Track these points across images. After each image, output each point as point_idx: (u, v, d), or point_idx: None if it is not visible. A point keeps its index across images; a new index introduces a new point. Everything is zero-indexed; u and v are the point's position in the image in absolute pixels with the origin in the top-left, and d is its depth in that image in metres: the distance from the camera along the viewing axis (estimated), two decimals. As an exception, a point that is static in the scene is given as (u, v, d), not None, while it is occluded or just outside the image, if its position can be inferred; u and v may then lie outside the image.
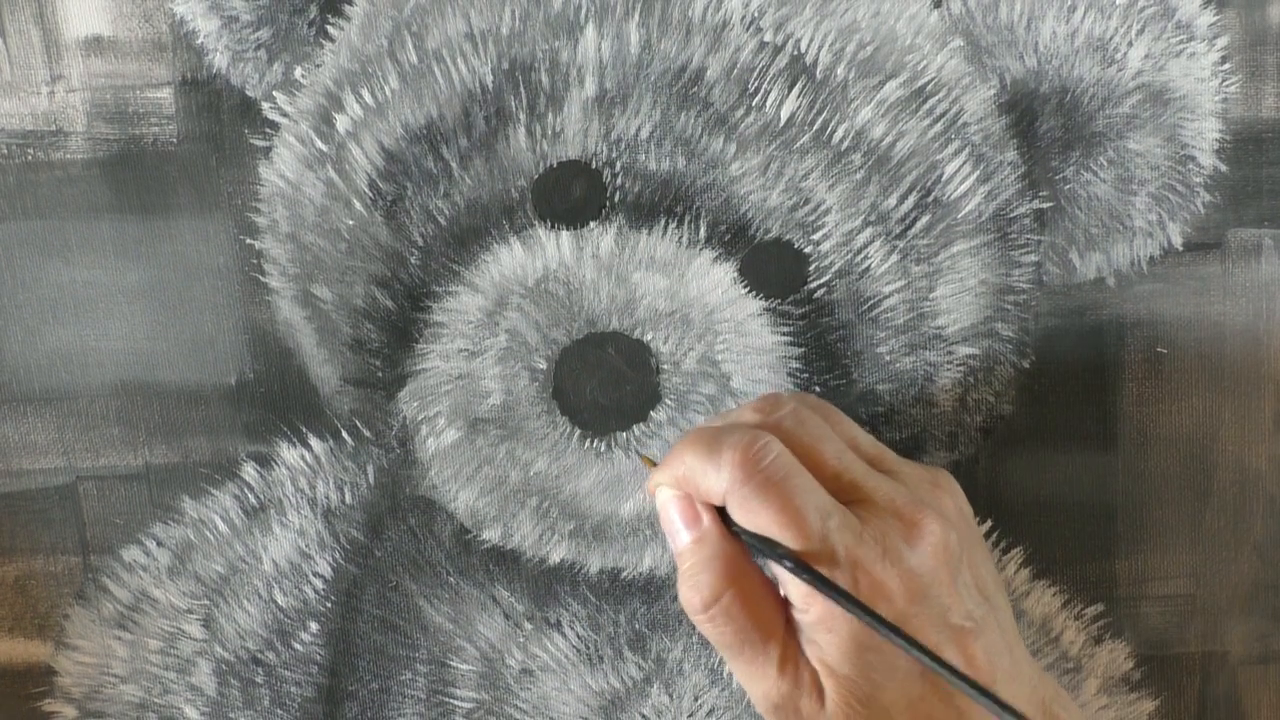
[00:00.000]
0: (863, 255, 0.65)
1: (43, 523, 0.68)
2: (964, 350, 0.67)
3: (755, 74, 0.64)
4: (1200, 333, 0.67)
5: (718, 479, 0.56)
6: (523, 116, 0.64)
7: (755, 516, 0.55)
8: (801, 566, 0.54)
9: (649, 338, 0.65)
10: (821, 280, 0.65)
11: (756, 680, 0.57)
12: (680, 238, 0.64)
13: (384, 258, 0.66)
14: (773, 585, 0.57)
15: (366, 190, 0.65)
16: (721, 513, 0.58)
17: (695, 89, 0.64)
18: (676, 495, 0.58)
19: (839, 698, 0.55)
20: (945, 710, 0.56)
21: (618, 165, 0.64)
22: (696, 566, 0.57)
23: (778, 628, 0.56)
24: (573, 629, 0.69)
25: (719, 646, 0.57)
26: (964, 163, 0.65)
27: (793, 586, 0.55)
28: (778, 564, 0.55)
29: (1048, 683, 0.59)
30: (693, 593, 0.57)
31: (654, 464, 0.61)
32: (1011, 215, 0.66)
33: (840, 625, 0.55)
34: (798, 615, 0.56)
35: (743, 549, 0.57)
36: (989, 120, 0.65)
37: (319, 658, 0.69)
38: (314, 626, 0.69)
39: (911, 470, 0.60)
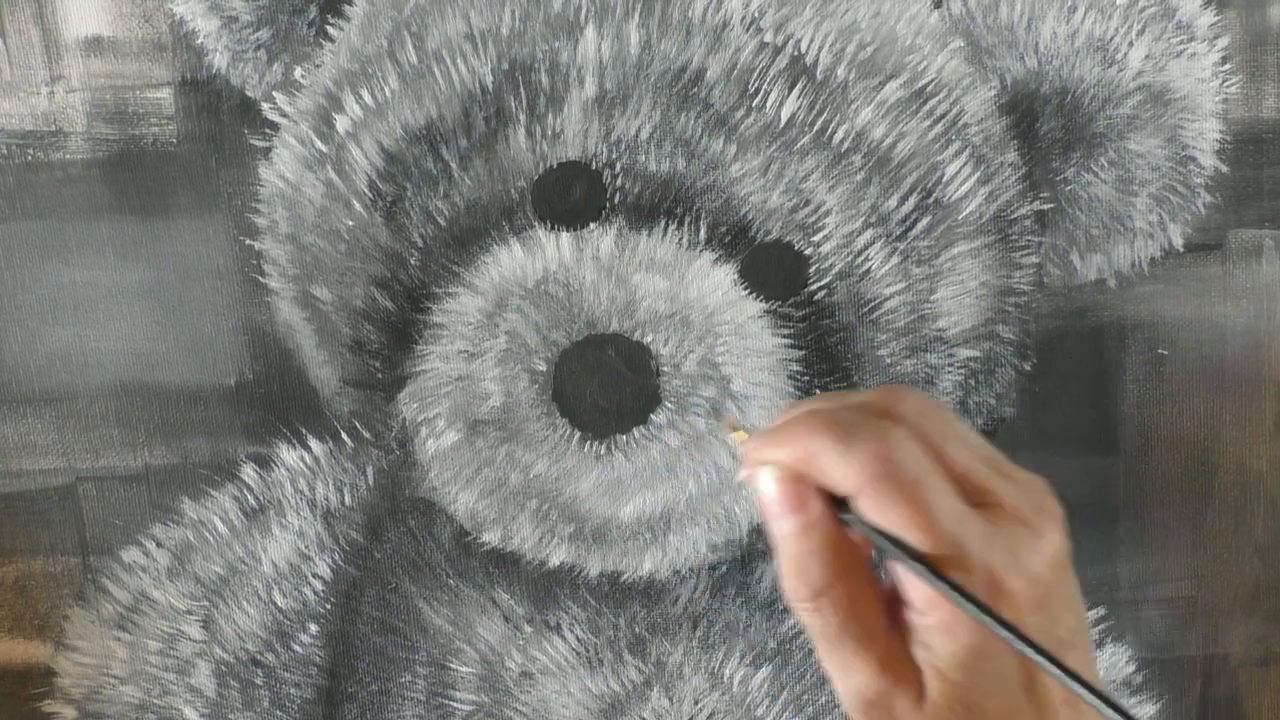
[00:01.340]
0: (863, 257, 0.65)
1: (42, 524, 0.69)
2: (965, 352, 0.67)
3: (755, 75, 0.64)
4: (1201, 334, 0.67)
5: (846, 470, 0.54)
6: (522, 117, 0.64)
7: (887, 514, 0.53)
8: (932, 570, 0.53)
9: (649, 340, 0.64)
10: (822, 282, 0.65)
11: (852, 674, 0.56)
12: (680, 239, 0.64)
13: (384, 259, 0.66)
14: (877, 581, 0.57)
15: (366, 191, 0.65)
16: (837, 504, 0.57)
17: (695, 90, 0.64)
18: (787, 478, 0.57)
19: (944, 701, 0.54)
20: None
21: (618, 166, 0.64)
22: (805, 555, 0.56)
23: (882, 626, 0.56)
24: (572, 632, 0.69)
25: (816, 637, 0.56)
26: (965, 164, 0.65)
27: (913, 588, 0.54)
28: (904, 565, 0.54)
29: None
30: (800, 582, 0.55)
31: (744, 433, 0.60)
32: (1012, 217, 0.66)
33: (962, 633, 0.54)
34: (914, 617, 0.55)
35: (850, 541, 0.57)
36: (989, 121, 0.65)
37: (318, 659, 0.69)
38: (313, 628, 0.69)
39: (1025, 476, 0.59)
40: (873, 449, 0.54)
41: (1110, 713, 0.52)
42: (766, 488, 0.57)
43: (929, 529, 0.53)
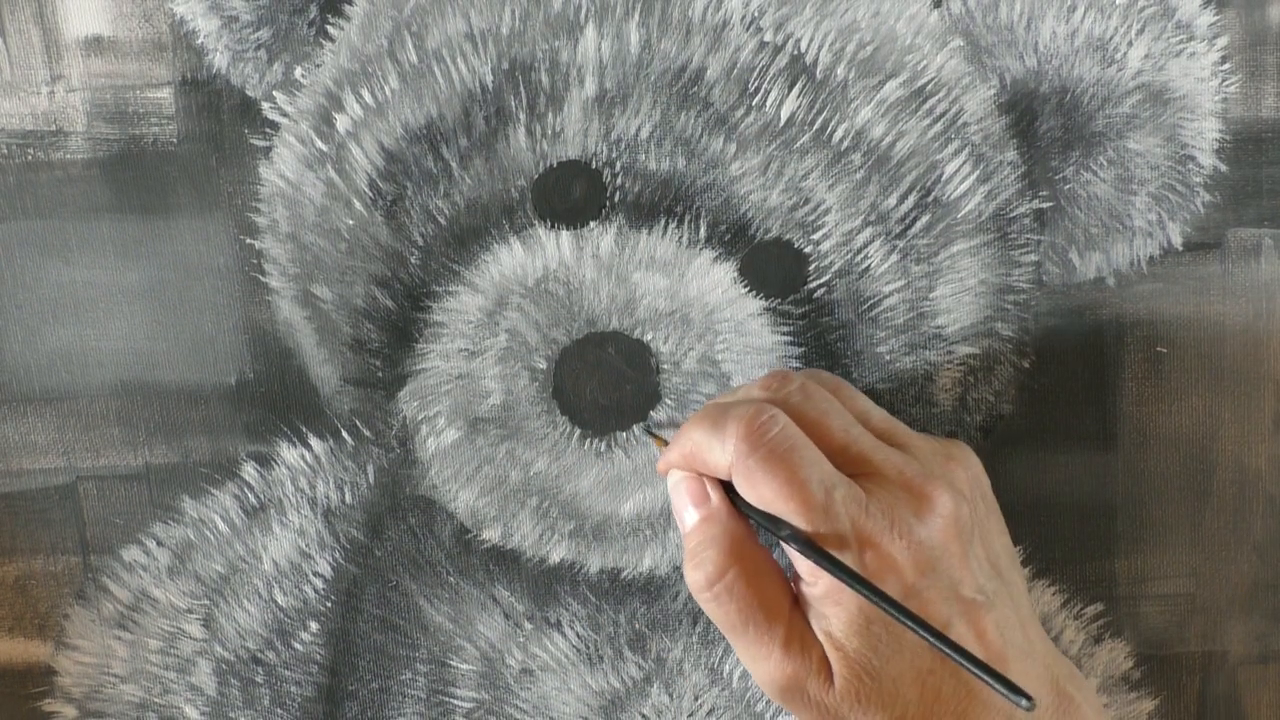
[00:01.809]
0: (863, 255, 0.65)
1: (43, 523, 0.68)
2: (964, 350, 0.67)
3: (755, 74, 0.64)
4: (1200, 332, 0.67)
5: (723, 453, 0.55)
6: (523, 116, 0.64)
7: (760, 489, 0.55)
8: (804, 542, 0.54)
9: (649, 337, 0.65)
10: (821, 280, 0.65)
11: (761, 660, 0.56)
12: (680, 237, 0.64)
13: (384, 257, 0.66)
14: (779, 566, 0.57)
15: (366, 190, 0.65)
16: (731, 492, 0.57)
17: (695, 89, 0.64)
18: (687, 476, 0.58)
19: (847, 672, 0.55)
20: (954, 684, 0.56)
21: (618, 165, 0.64)
22: (702, 544, 0.57)
23: (783, 607, 0.56)
24: (573, 629, 0.69)
25: (723, 627, 0.57)
26: (964, 162, 0.65)
27: (799, 561, 0.55)
28: (782, 539, 0.55)
29: (1061, 661, 0.59)
30: (697, 571, 0.57)
31: (665, 443, 0.61)
32: (1011, 215, 0.66)
33: (847, 599, 0.54)
34: (806, 589, 0.56)
35: (750, 529, 0.57)
36: (989, 120, 0.65)
37: (319, 657, 0.69)
38: (314, 626, 0.69)
39: (925, 443, 0.59)
40: (743, 429, 0.55)
41: (984, 674, 0.52)
42: (672, 489, 0.59)
43: (800, 499, 0.54)
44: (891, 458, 0.57)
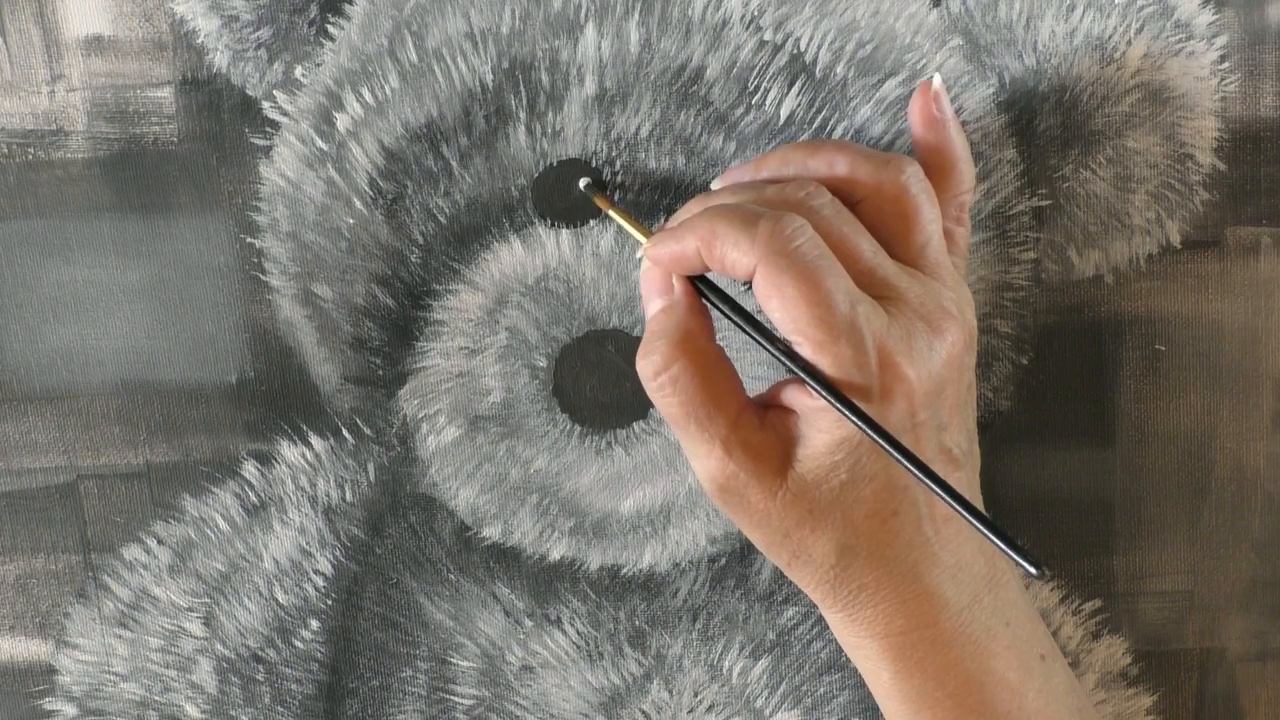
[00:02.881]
0: (862, 253, 0.65)
1: (43, 521, 0.69)
2: (962, 347, 0.67)
3: (755, 72, 0.64)
4: (1198, 330, 0.67)
5: (747, 251, 0.54)
6: (523, 115, 0.64)
7: (783, 290, 0.53)
8: (803, 365, 0.53)
9: (649, 336, 0.65)
10: (821, 278, 0.65)
11: (701, 457, 0.56)
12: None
13: (384, 256, 0.66)
14: (731, 366, 0.57)
15: (367, 189, 0.65)
16: (703, 289, 0.57)
17: (695, 87, 0.64)
18: (652, 265, 0.57)
19: (811, 488, 0.55)
20: (912, 532, 0.56)
21: (618, 164, 0.64)
22: (655, 334, 0.56)
23: (730, 407, 0.55)
24: (573, 626, 0.69)
25: (668, 419, 0.56)
26: (963, 161, 0.65)
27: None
28: (779, 354, 0.54)
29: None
30: (644, 359, 0.56)
31: (611, 205, 0.62)
32: (1010, 213, 0.66)
33: (848, 423, 0.54)
34: (805, 399, 0.55)
35: (706, 326, 0.57)
36: (988, 118, 0.65)
37: (320, 655, 0.70)
38: (315, 624, 0.69)
39: (935, 283, 0.58)
40: (774, 228, 0.54)
41: (988, 533, 0.52)
42: (642, 275, 0.58)
43: (824, 307, 0.53)
44: (914, 286, 0.56)
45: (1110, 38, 0.64)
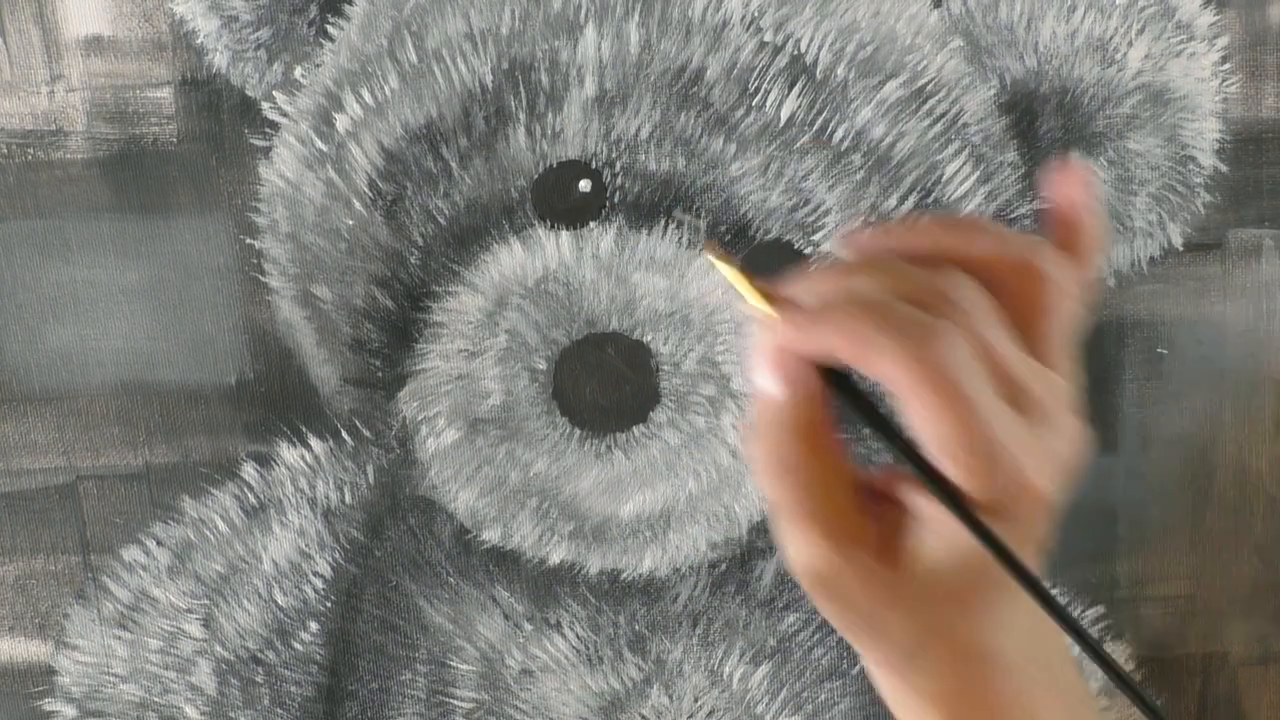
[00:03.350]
0: (863, 256, 0.65)
1: (43, 522, 0.69)
2: (964, 351, 0.67)
3: (755, 74, 0.64)
4: (1200, 333, 0.67)
5: (893, 363, 0.48)
6: (522, 116, 0.64)
7: (937, 414, 0.50)
8: (940, 486, 0.51)
9: (649, 338, 0.65)
10: (822, 281, 0.65)
11: (803, 547, 0.52)
12: (680, 238, 0.64)
13: (384, 257, 0.66)
14: (848, 463, 0.54)
15: (366, 190, 0.65)
16: (838, 384, 0.53)
17: (695, 89, 0.64)
18: (784, 351, 0.53)
19: (909, 573, 0.53)
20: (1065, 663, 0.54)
21: (618, 165, 0.64)
22: (783, 429, 0.52)
23: (844, 506, 0.53)
24: (572, 630, 0.69)
25: (776, 509, 0.54)
26: (964, 163, 0.65)
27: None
28: (916, 472, 0.51)
29: None
30: (771, 457, 0.51)
31: (738, 276, 0.55)
32: (1012, 216, 0.66)
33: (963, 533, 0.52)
34: (919, 500, 0.52)
35: (829, 421, 0.53)
36: (989, 121, 0.65)
37: (319, 657, 0.69)
38: (314, 626, 0.69)
39: (1049, 371, 0.55)
40: (928, 341, 0.49)
41: (1118, 683, 0.51)
42: (762, 343, 0.52)
43: (975, 428, 0.50)
44: (1046, 387, 0.53)
45: (1111, 39, 0.64)
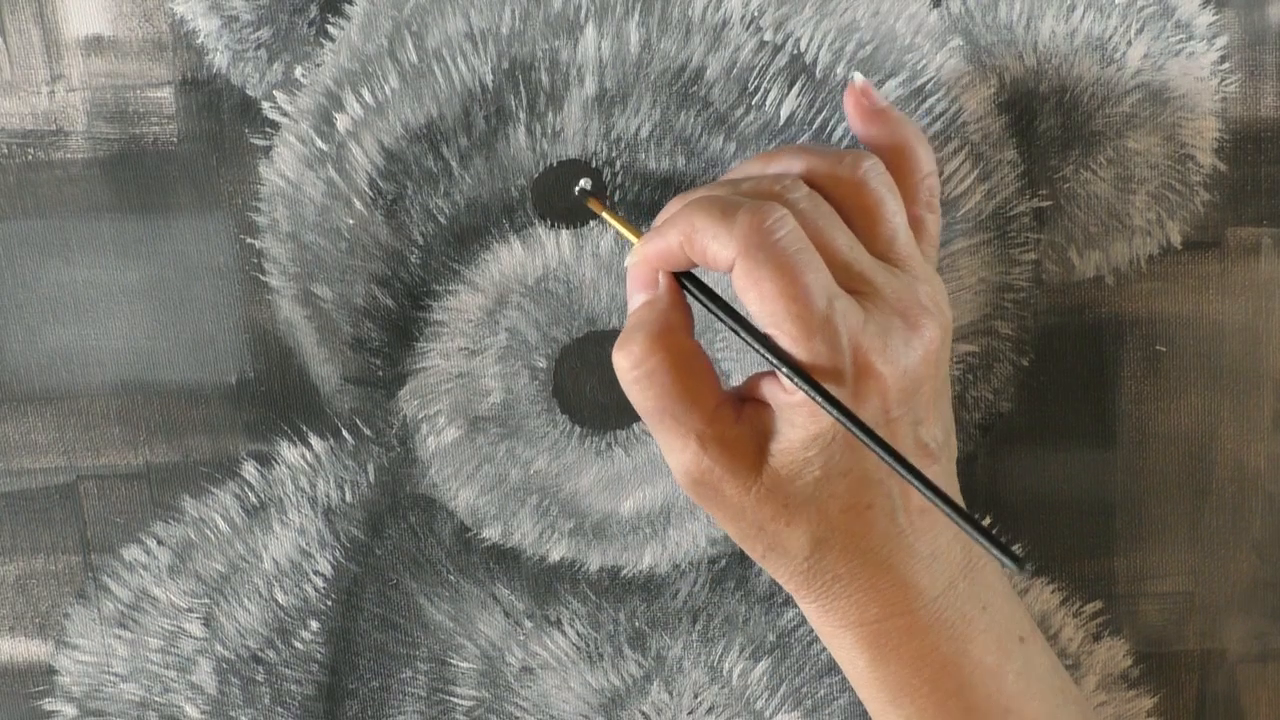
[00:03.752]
0: (862, 254, 0.65)
1: (43, 522, 0.69)
2: (963, 347, 0.67)
3: (755, 73, 0.64)
4: (1199, 331, 0.67)
5: (726, 244, 0.54)
6: (523, 116, 0.64)
7: (760, 284, 0.53)
8: (783, 358, 0.53)
9: (649, 336, 0.65)
10: (821, 279, 0.65)
11: (675, 452, 0.56)
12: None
13: (384, 256, 0.66)
14: (709, 362, 0.57)
15: (367, 189, 0.65)
16: (689, 285, 0.57)
17: (695, 88, 0.64)
18: (638, 260, 0.57)
19: (785, 482, 0.55)
20: (886, 525, 0.56)
21: (618, 164, 0.64)
22: (634, 327, 0.56)
23: (706, 403, 0.55)
24: (573, 627, 0.69)
25: (642, 413, 0.56)
26: (963, 161, 0.65)
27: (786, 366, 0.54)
28: (758, 346, 0.54)
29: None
30: (621, 352, 0.56)
31: (604, 209, 0.62)
32: (1010, 214, 0.66)
33: (824, 417, 0.54)
34: (781, 395, 0.55)
35: (687, 321, 0.57)
36: (988, 119, 0.65)
37: (319, 656, 0.70)
38: (314, 625, 0.69)
39: (912, 276, 0.57)
40: (753, 221, 0.54)
41: (964, 525, 0.52)
42: (629, 271, 0.58)
43: (801, 302, 0.53)
44: (890, 281, 0.56)
45: (1110, 38, 0.64)
